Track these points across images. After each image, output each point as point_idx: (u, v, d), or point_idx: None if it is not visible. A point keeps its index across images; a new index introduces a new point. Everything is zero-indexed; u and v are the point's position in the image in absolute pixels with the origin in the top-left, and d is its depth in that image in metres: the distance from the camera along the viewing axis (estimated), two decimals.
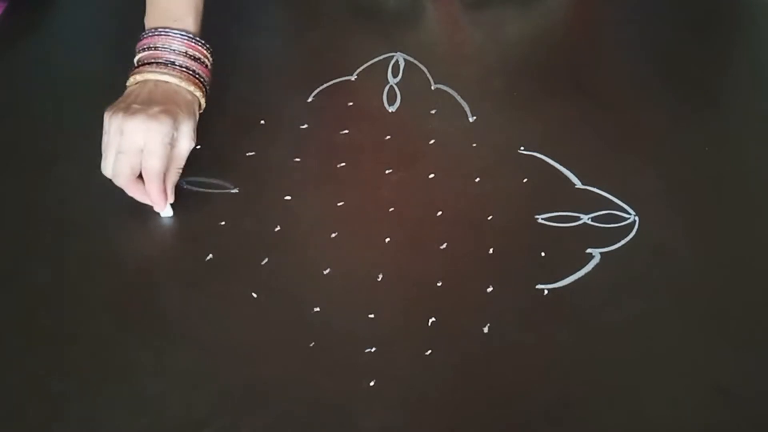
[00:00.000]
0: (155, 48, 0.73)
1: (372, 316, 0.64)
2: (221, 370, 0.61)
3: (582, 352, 0.63)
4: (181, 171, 0.71)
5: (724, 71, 0.91)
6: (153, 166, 0.69)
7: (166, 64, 0.73)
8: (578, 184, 0.75)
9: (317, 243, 0.70)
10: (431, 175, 0.75)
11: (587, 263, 0.68)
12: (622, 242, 0.70)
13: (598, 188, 0.74)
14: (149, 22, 0.76)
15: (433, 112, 0.82)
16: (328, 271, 0.68)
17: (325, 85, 0.84)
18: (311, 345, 0.62)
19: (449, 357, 0.62)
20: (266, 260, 0.68)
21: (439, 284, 0.67)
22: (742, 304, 0.66)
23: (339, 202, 0.73)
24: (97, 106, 0.83)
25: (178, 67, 0.73)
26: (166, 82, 0.72)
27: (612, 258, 0.69)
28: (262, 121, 0.80)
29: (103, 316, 0.64)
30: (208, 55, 0.76)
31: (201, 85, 0.74)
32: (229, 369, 0.61)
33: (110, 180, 0.73)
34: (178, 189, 0.72)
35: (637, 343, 0.63)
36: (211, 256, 0.68)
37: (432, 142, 0.79)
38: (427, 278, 0.67)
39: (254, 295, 0.66)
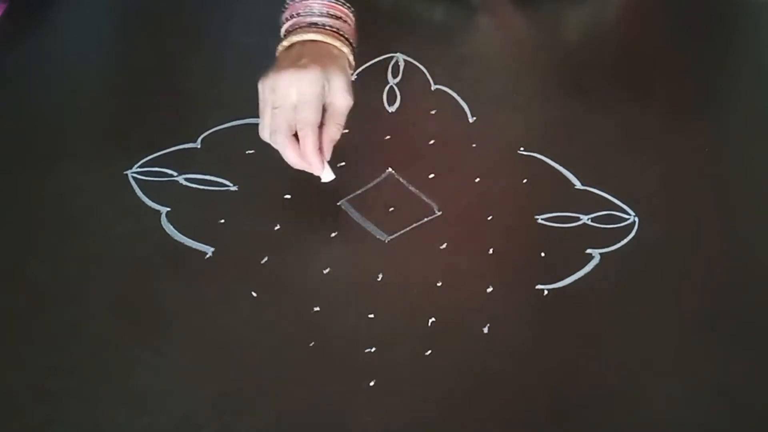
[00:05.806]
0: (297, 15, 0.73)
1: (372, 316, 0.64)
2: (220, 370, 0.61)
3: (582, 352, 0.63)
4: (341, 129, 0.69)
5: (724, 71, 0.91)
6: (306, 117, 0.67)
7: (309, 26, 0.72)
8: (578, 185, 0.75)
9: (317, 242, 0.70)
10: (431, 175, 0.75)
11: (587, 264, 0.68)
12: (622, 243, 0.70)
13: (598, 188, 0.74)
14: None
15: (433, 112, 0.82)
16: (328, 270, 0.68)
17: None
18: (311, 345, 0.62)
19: (449, 357, 0.62)
20: (266, 259, 0.68)
21: (439, 284, 0.67)
22: (742, 304, 0.66)
23: (339, 201, 0.73)
24: (97, 105, 0.83)
25: (320, 27, 0.71)
26: (312, 40, 0.71)
27: (612, 258, 0.69)
28: None
29: (103, 316, 0.64)
30: (350, 14, 0.74)
31: (347, 41, 0.72)
32: (229, 368, 0.61)
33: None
34: (177, 186, 0.72)
35: (637, 344, 0.63)
36: (210, 254, 0.68)
37: (432, 142, 0.79)
38: (427, 278, 0.67)
39: (254, 294, 0.66)
